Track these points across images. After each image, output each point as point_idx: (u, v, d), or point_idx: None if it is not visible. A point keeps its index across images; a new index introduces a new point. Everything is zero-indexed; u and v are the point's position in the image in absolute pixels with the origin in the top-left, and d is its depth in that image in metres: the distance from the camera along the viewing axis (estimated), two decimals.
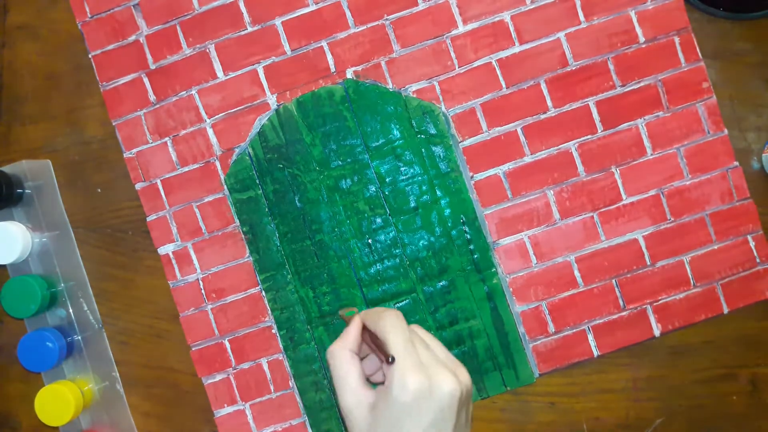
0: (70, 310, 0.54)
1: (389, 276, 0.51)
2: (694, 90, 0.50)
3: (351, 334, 0.42)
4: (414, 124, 0.51)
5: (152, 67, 0.52)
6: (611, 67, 0.50)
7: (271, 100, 0.52)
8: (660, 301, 0.50)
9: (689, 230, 0.50)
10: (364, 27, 0.51)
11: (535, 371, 0.51)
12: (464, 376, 0.40)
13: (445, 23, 0.51)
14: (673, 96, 0.50)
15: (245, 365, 0.52)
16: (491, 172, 0.51)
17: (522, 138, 0.51)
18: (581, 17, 0.50)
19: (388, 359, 0.37)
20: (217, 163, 0.52)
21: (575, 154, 0.51)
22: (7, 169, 0.53)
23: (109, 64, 0.53)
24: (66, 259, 0.54)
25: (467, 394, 0.40)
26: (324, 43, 0.51)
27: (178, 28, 0.52)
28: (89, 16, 0.53)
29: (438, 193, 0.51)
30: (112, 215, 0.54)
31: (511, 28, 0.51)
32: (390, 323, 0.40)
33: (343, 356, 0.41)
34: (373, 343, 0.40)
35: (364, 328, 0.42)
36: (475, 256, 0.50)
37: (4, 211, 0.54)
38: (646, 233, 0.51)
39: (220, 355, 0.52)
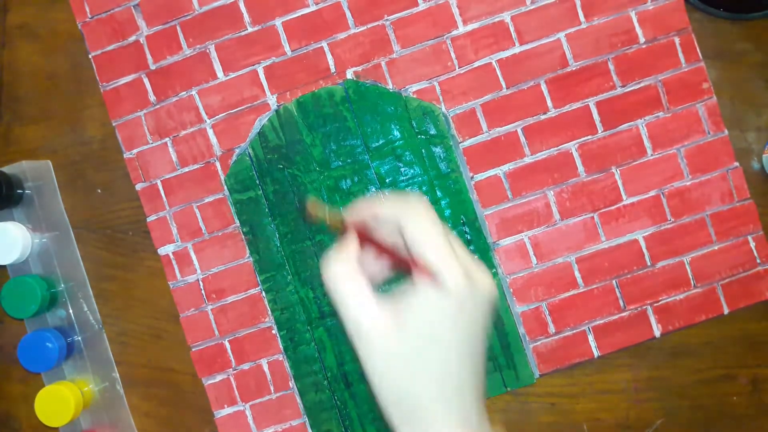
0: (70, 311, 0.54)
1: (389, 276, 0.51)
2: (694, 90, 0.50)
3: (350, 247, 0.35)
4: (414, 125, 0.51)
5: (152, 67, 0.52)
6: (611, 67, 0.50)
7: (272, 100, 0.52)
8: (660, 302, 0.50)
9: (689, 231, 0.50)
10: (365, 27, 0.51)
11: (536, 372, 0.51)
12: (490, 277, 0.35)
13: (445, 24, 0.51)
14: (673, 96, 0.50)
15: (245, 366, 0.52)
16: (491, 172, 0.51)
17: (522, 138, 0.51)
18: (581, 18, 0.50)
19: (421, 260, 0.32)
20: (218, 164, 0.52)
21: (575, 155, 0.51)
22: (7, 169, 0.53)
23: (109, 64, 0.53)
24: (66, 259, 0.54)
25: (497, 299, 0.35)
26: (324, 44, 0.51)
27: (178, 28, 0.52)
28: (89, 16, 0.53)
29: (438, 193, 0.51)
30: (112, 216, 0.54)
31: (512, 29, 0.51)
32: (418, 216, 0.33)
33: (345, 273, 0.34)
34: (382, 242, 0.34)
35: (364, 233, 0.35)
36: (476, 256, 0.50)
37: (4, 211, 0.54)
38: (647, 234, 0.50)
39: (221, 356, 0.52)
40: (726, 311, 0.50)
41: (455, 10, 0.51)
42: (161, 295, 0.53)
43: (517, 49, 0.51)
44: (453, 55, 0.51)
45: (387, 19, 0.51)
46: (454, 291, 0.32)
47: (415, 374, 0.34)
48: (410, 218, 0.33)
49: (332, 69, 0.51)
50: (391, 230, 0.35)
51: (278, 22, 0.51)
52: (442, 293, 0.32)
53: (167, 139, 0.52)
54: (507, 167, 0.51)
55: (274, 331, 0.52)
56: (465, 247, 0.36)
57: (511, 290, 0.51)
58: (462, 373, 0.34)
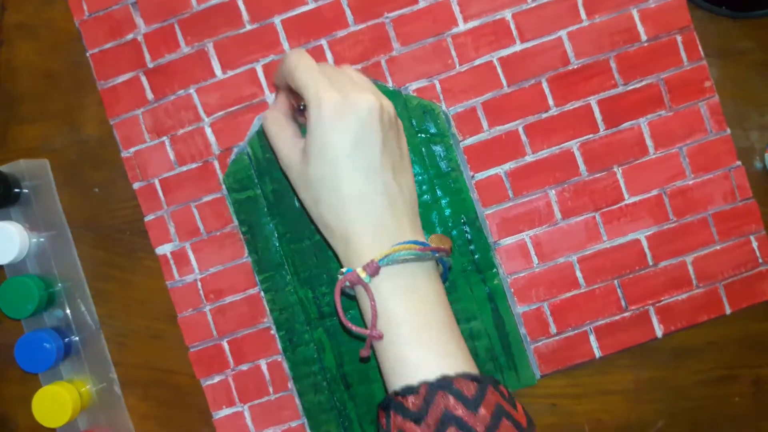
0: (68, 311, 0.53)
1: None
2: (696, 89, 0.50)
3: (278, 99, 0.44)
4: (414, 123, 0.50)
5: (150, 65, 0.52)
6: (613, 65, 0.50)
7: (270, 99, 0.51)
8: (662, 302, 0.50)
9: (692, 230, 0.50)
10: (364, 25, 0.51)
11: (537, 372, 0.50)
12: (386, 101, 0.40)
13: (445, 21, 0.50)
14: (675, 95, 0.50)
15: (244, 367, 0.52)
16: (492, 171, 0.51)
17: (523, 137, 0.50)
18: (583, 15, 0.50)
19: (303, 96, 0.38)
20: (216, 163, 0.52)
21: (577, 154, 0.50)
22: (4, 168, 0.53)
23: (106, 62, 0.52)
24: (63, 259, 0.53)
25: (390, 117, 0.40)
26: (324, 42, 0.51)
27: (176, 26, 0.52)
28: (87, 14, 0.52)
29: (438, 192, 0.50)
30: (110, 215, 0.54)
31: (513, 27, 0.50)
32: (289, 63, 0.40)
33: (272, 117, 0.43)
34: (293, 95, 0.41)
35: (290, 88, 0.42)
36: (476, 256, 0.50)
37: (2, 210, 0.53)
38: (649, 233, 0.50)
39: (219, 357, 0.52)
40: (728, 311, 0.50)
41: (456, 8, 0.50)
42: (159, 295, 0.53)
43: (518, 47, 0.50)
44: (453, 53, 0.51)
45: (387, 17, 0.51)
46: (325, 109, 0.37)
47: (320, 193, 0.39)
48: (287, 70, 0.40)
49: None
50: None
51: (277, 20, 0.51)
52: (319, 116, 0.37)
53: (165, 137, 0.52)
54: (508, 166, 0.51)
55: (272, 332, 0.51)
56: (366, 80, 0.42)
57: (512, 290, 0.50)
58: (356, 181, 0.38)
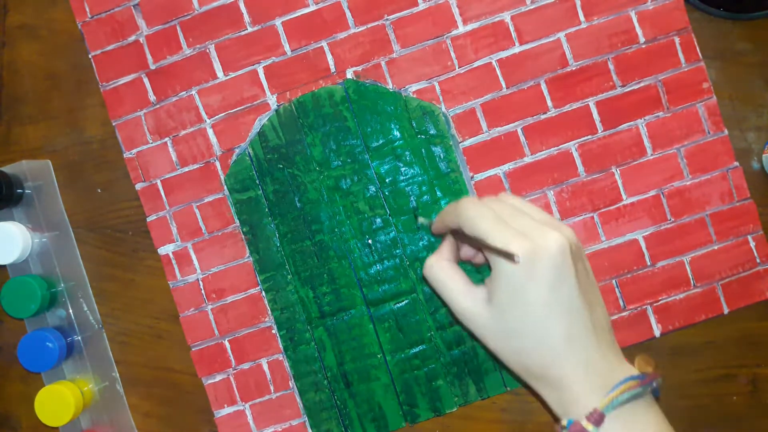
0: (70, 311, 0.54)
1: (389, 276, 0.51)
2: (694, 90, 0.50)
3: (444, 246, 0.42)
4: (414, 125, 0.51)
5: (152, 67, 0.52)
6: (611, 67, 0.50)
7: (271, 100, 0.52)
8: (660, 302, 0.50)
9: (689, 230, 0.50)
10: (364, 27, 0.51)
11: None
12: (568, 231, 0.38)
13: (445, 23, 0.51)
14: (673, 96, 0.50)
15: (245, 365, 0.52)
16: (491, 172, 0.51)
17: (522, 138, 0.51)
18: (581, 17, 0.50)
19: (487, 247, 0.36)
20: (217, 164, 0.52)
21: (575, 155, 0.51)
22: (7, 169, 0.53)
23: (109, 64, 0.53)
24: (66, 259, 0.54)
25: (577, 247, 0.38)
26: (324, 43, 0.51)
27: (178, 28, 0.52)
28: (89, 16, 0.53)
29: (438, 193, 0.51)
30: (112, 215, 0.54)
31: (512, 29, 0.51)
32: (466, 214, 0.38)
33: (441, 267, 0.40)
34: (468, 241, 0.38)
35: (456, 233, 0.40)
36: (540, 212, 0.50)
37: (4, 211, 0.54)
38: (647, 233, 0.50)
39: (220, 356, 0.52)
40: (726, 311, 0.50)
41: (455, 10, 0.51)
42: (161, 294, 0.53)
43: (517, 49, 0.51)
44: (453, 55, 0.51)
45: (387, 19, 0.51)
46: (517, 259, 0.35)
47: (522, 343, 0.37)
48: (461, 219, 0.39)
49: (332, 69, 0.51)
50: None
51: (278, 22, 0.51)
52: (510, 265, 0.35)
53: (167, 138, 0.52)
54: (507, 167, 0.51)
55: (273, 331, 0.52)
56: (537, 209, 0.40)
57: None
58: (560, 325, 0.36)
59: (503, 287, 0.36)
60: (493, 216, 0.38)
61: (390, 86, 0.51)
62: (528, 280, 0.36)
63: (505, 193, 0.41)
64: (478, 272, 0.49)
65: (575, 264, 0.37)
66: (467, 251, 0.43)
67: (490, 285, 0.38)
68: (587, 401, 0.36)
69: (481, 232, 0.37)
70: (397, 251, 0.51)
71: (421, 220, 0.49)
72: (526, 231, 0.37)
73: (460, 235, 0.39)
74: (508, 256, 0.35)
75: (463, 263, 0.47)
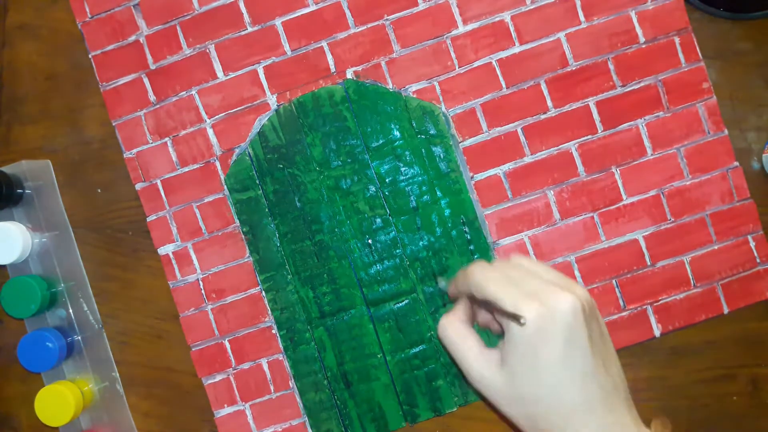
0: (70, 311, 0.54)
1: (389, 276, 0.51)
2: (694, 90, 0.50)
3: (458, 306, 0.41)
4: (414, 125, 0.51)
5: (152, 67, 0.52)
6: (611, 67, 0.50)
7: (271, 100, 0.52)
8: (660, 302, 0.50)
9: (689, 230, 0.50)
10: (364, 27, 0.51)
11: None
12: (580, 290, 0.37)
13: (445, 23, 0.51)
14: (673, 96, 0.50)
15: (245, 365, 0.52)
16: (491, 172, 0.51)
17: (522, 138, 0.51)
18: (581, 17, 0.50)
19: (498, 310, 0.35)
20: (217, 164, 0.52)
21: (575, 155, 0.51)
22: (7, 169, 0.53)
23: (109, 64, 0.53)
24: (66, 259, 0.54)
25: (590, 307, 0.37)
26: (324, 44, 0.51)
27: (178, 28, 0.52)
28: (89, 16, 0.53)
29: (438, 193, 0.51)
30: (112, 215, 0.54)
31: (512, 28, 0.51)
32: (477, 279, 0.38)
33: (455, 328, 0.39)
34: (482, 305, 0.38)
35: (472, 297, 0.39)
36: (476, 256, 0.50)
37: (4, 211, 0.54)
38: (647, 233, 0.50)
39: (220, 356, 0.52)
40: (726, 311, 0.50)
41: (455, 10, 0.51)
42: (161, 294, 0.53)
43: (517, 49, 0.51)
44: (453, 55, 0.51)
45: (387, 19, 0.51)
46: (530, 321, 0.34)
47: (535, 410, 0.36)
48: (471, 283, 0.38)
49: (332, 69, 0.51)
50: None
51: (278, 22, 0.51)
52: (522, 329, 0.35)
53: (167, 138, 0.52)
54: (507, 167, 0.51)
55: (274, 331, 0.52)
56: (550, 269, 0.39)
57: None
58: (574, 390, 0.35)
59: (515, 351, 0.36)
60: (503, 279, 0.37)
61: (390, 86, 0.51)
62: (540, 343, 0.35)
63: (517, 255, 0.40)
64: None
65: (589, 325, 0.36)
66: (484, 317, 0.42)
67: (503, 349, 0.37)
68: None
69: (490, 296, 0.36)
70: (397, 251, 0.51)
71: (441, 283, 0.50)
72: (537, 293, 0.36)
73: (475, 300, 0.39)
74: (516, 319, 0.35)
75: (482, 331, 0.46)
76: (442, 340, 0.40)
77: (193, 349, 0.52)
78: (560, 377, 0.35)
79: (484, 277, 0.37)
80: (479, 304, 0.38)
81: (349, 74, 0.51)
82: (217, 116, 0.52)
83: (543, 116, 0.51)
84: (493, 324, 0.42)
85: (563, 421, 0.36)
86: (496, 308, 0.36)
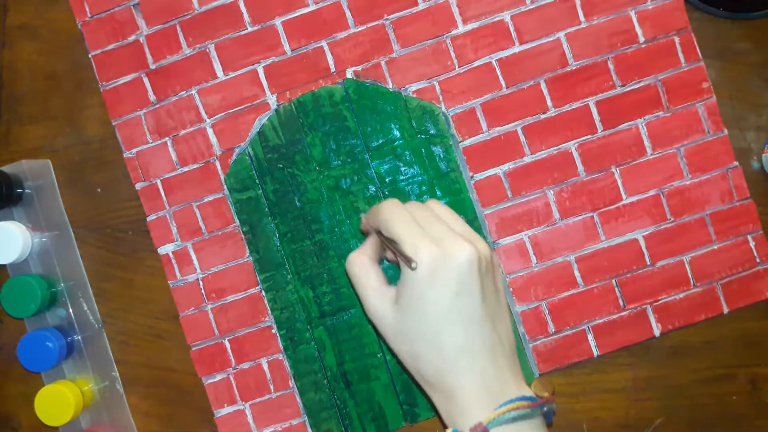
0: (70, 310, 0.54)
1: (389, 276, 0.51)
2: (694, 90, 0.50)
3: (367, 242, 0.43)
4: (414, 124, 0.51)
5: (152, 66, 0.52)
6: (611, 67, 0.50)
7: (271, 100, 0.52)
8: (660, 301, 0.50)
9: (689, 230, 0.50)
10: (364, 27, 0.51)
11: (535, 371, 0.51)
12: (482, 246, 0.38)
13: (445, 23, 0.51)
14: (673, 96, 0.50)
15: (245, 365, 0.52)
16: (491, 172, 0.51)
17: (522, 138, 0.51)
18: (581, 17, 0.50)
19: (396, 250, 0.37)
20: (217, 163, 0.52)
21: (575, 154, 0.51)
22: (6, 168, 0.53)
23: (109, 64, 0.53)
24: (66, 258, 0.54)
25: (487, 262, 0.38)
26: (324, 43, 0.51)
27: (178, 28, 0.52)
28: (89, 15, 0.53)
29: (438, 193, 0.51)
30: (112, 215, 0.54)
31: (511, 28, 0.51)
32: (385, 216, 0.39)
33: (359, 262, 0.41)
34: (388, 243, 0.39)
35: (379, 233, 0.41)
36: (458, 223, 0.50)
37: (4, 210, 0.54)
38: (646, 233, 0.51)
39: (220, 355, 0.52)
40: (726, 310, 0.50)
41: (455, 10, 0.51)
42: (161, 294, 0.53)
43: (516, 49, 0.51)
44: (453, 55, 0.51)
45: (387, 19, 0.51)
46: (425, 264, 0.36)
47: (418, 348, 0.38)
48: (380, 221, 0.39)
49: (332, 68, 0.51)
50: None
51: (278, 22, 0.51)
52: (417, 270, 0.36)
53: (167, 138, 0.52)
54: (507, 167, 0.51)
55: (273, 331, 0.52)
56: (459, 219, 0.40)
57: (511, 290, 0.51)
58: (456, 334, 0.37)
59: (408, 290, 0.37)
60: (410, 220, 0.38)
61: (390, 86, 0.51)
62: (431, 286, 0.36)
63: (434, 201, 0.42)
64: None
65: (482, 279, 0.37)
66: (391, 254, 0.43)
67: (399, 287, 0.38)
68: (474, 414, 0.36)
69: (394, 234, 0.38)
70: None
71: (362, 216, 0.49)
72: (440, 239, 0.37)
73: (382, 236, 0.40)
74: (408, 262, 0.36)
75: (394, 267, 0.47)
76: (347, 274, 0.41)
77: (193, 349, 0.52)
78: (445, 320, 0.37)
79: (391, 216, 0.39)
80: (386, 240, 0.39)
81: (349, 74, 0.51)
82: (217, 116, 0.52)
83: (543, 116, 0.51)
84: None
85: (442, 363, 0.37)
86: (395, 248, 0.37)
